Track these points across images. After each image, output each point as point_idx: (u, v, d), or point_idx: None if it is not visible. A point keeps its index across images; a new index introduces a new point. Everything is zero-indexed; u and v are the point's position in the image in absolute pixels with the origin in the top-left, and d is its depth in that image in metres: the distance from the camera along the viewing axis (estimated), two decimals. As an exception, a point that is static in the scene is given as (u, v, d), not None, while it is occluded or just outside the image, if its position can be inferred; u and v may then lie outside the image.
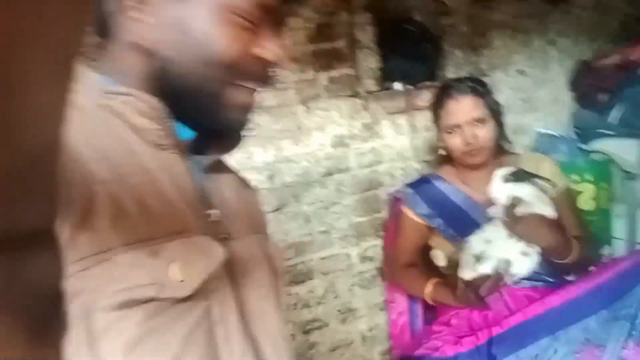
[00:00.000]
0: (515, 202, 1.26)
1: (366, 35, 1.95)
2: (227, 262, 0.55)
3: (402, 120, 2.02)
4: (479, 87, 1.50)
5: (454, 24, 2.09)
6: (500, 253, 1.24)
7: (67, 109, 0.15)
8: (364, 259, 2.00)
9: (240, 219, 0.63)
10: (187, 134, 0.58)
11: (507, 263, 1.24)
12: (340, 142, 1.93)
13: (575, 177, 1.94)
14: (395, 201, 1.76)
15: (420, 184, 1.60)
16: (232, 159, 0.67)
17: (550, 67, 2.28)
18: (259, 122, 1.78)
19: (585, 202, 1.92)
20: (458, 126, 1.44)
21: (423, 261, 1.58)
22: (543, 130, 2.24)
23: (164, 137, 0.54)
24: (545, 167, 1.52)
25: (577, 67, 2.28)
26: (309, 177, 1.89)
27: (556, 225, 1.28)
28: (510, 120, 1.80)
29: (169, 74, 0.53)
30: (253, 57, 0.54)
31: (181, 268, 0.47)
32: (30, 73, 0.13)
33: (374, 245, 2.00)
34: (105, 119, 0.51)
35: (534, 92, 2.27)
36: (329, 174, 1.92)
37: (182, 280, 0.47)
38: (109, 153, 0.48)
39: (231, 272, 0.56)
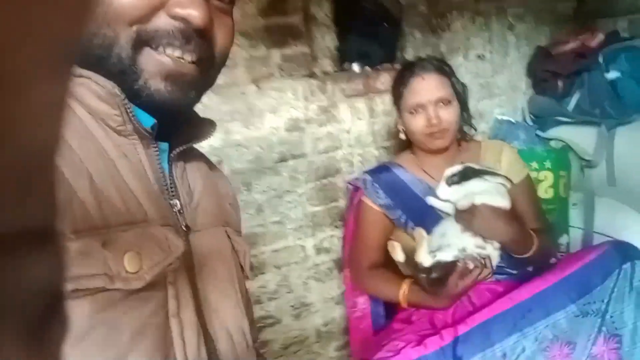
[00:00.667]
0: (461, 202, 1.21)
1: (322, 10, 1.81)
2: (187, 254, 0.54)
3: (360, 103, 1.91)
4: (444, 67, 1.41)
5: (413, 3, 1.98)
6: (456, 246, 1.17)
7: (67, 108, 0.15)
8: (320, 250, 1.88)
9: (207, 210, 0.62)
10: (150, 120, 0.54)
11: (464, 251, 1.17)
12: (295, 126, 1.79)
13: (534, 165, 1.91)
14: (354, 190, 1.64)
15: (379, 172, 1.48)
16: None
17: (509, 53, 2.23)
18: (205, 103, 1.60)
19: (545, 190, 1.89)
20: (422, 106, 1.34)
21: (387, 260, 1.47)
22: (501, 117, 2.20)
23: (123, 122, 0.51)
24: (507, 155, 1.45)
25: (535, 53, 2.25)
26: (261, 164, 1.74)
27: (512, 217, 1.22)
28: (469, 105, 1.73)
29: (91, 44, 0.49)
30: (172, 17, 0.50)
31: (135, 259, 0.46)
32: (31, 72, 0.13)
33: (331, 236, 1.89)
34: None
35: (493, 77, 2.22)
36: (282, 160, 1.78)
37: (135, 272, 0.46)
38: (67, 136, 0.46)
39: (191, 265, 0.55)
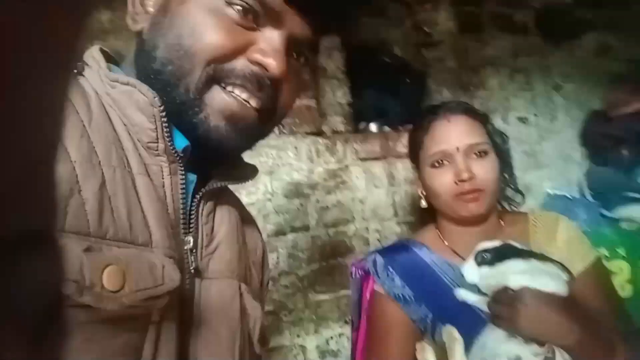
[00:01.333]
0: (495, 290, 0.84)
1: (333, 62, 1.58)
2: (187, 301, 0.51)
3: (377, 168, 1.59)
4: (477, 110, 1.08)
5: (440, 57, 1.73)
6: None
7: (66, 110, 0.17)
8: (325, 354, 1.45)
9: (224, 258, 0.58)
10: (183, 142, 0.53)
11: None
12: (296, 192, 1.47)
13: (603, 252, 1.48)
14: (363, 277, 1.15)
15: (395, 252, 1.08)
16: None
17: (557, 116, 1.90)
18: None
19: (621, 286, 1.44)
20: (448, 155, 0.98)
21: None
22: (553, 192, 1.81)
23: (156, 138, 0.51)
24: (565, 231, 1.04)
25: (588, 117, 1.91)
26: (251, 236, 1.40)
27: (575, 308, 0.80)
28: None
29: (151, 59, 0.52)
30: (251, 61, 0.52)
31: (117, 276, 0.42)
32: (31, 77, 0.14)
33: (340, 335, 1.47)
34: (104, 108, 0.50)
35: (539, 144, 1.87)
36: (279, 233, 1.43)
37: (114, 291, 0.41)
38: (94, 136, 0.47)
39: (187, 315, 0.51)
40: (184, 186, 0.53)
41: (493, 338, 0.79)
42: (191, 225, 0.54)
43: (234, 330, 0.56)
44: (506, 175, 1.07)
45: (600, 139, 1.84)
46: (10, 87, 0.13)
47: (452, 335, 0.80)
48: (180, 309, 0.50)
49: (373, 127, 1.66)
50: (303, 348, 1.44)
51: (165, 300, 0.46)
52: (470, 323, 0.87)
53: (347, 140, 1.57)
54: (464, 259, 1.01)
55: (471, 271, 0.84)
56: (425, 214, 1.14)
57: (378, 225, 1.56)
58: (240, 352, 0.56)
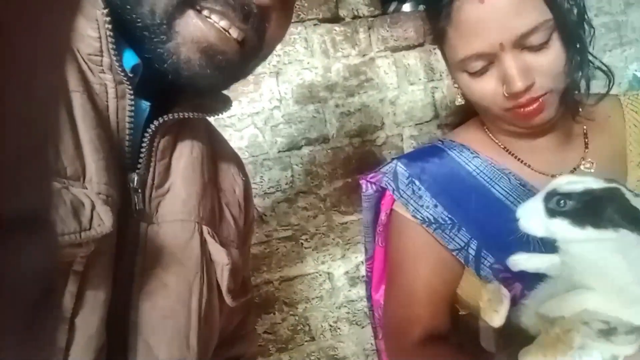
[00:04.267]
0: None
1: None
2: (126, 246, 0.45)
3: (412, 59, 1.28)
4: None
5: None
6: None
7: (61, 95, 0.17)
8: (355, 280, 1.28)
9: (179, 198, 0.51)
10: (132, 59, 0.46)
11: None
12: (310, 96, 1.21)
13: None
14: (380, 195, 0.82)
15: (422, 159, 0.78)
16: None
17: (652, -26, 1.45)
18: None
19: None
20: (488, 56, 0.65)
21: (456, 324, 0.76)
22: (642, 73, 1.43)
23: (100, 50, 0.43)
24: None
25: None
26: (260, 152, 1.18)
27: None
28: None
29: None
30: None
31: None
32: (25, 63, 0.14)
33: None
34: None
35: (625, 14, 1.46)
36: (293, 147, 1.20)
37: None
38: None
39: (126, 263, 0.45)
40: (132, 113, 0.46)
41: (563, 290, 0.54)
42: (140, 161, 0.48)
43: (189, 280, 0.50)
44: (577, 55, 0.71)
45: None
46: (7, 74, 0.13)
47: (498, 293, 0.56)
48: (118, 257, 0.44)
49: (406, 6, 1.32)
50: (330, 275, 1.27)
51: (90, 248, 0.40)
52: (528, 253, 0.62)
53: (372, 25, 1.25)
54: (525, 163, 0.74)
55: (533, 216, 0.55)
56: (464, 112, 0.84)
57: (414, 131, 1.29)
58: (199, 305, 0.50)
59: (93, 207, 0.40)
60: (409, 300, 0.74)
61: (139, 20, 0.44)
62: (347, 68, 1.23)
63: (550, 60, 0.64)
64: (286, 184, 1.21)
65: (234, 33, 0.46)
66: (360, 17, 1.24)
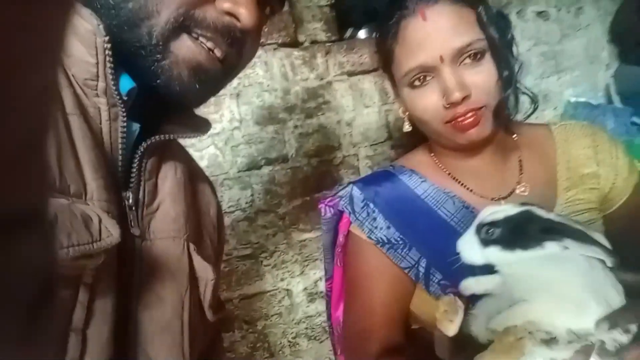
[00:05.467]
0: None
1: (308, -48, 1.27)
2: (125, 261, 0.47)
3: (367, 83, 1.34)
4: None
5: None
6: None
7: (55, 94, 0.18)
8: (313, 296, 1.31)
9: (169, 216, 0.54)
10: (127, 84, 0.49)
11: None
12: (269, 117, 1.24)
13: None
14: (337, 215, 0.86)
15: (376, 182, 0.83)
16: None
17: (583, 9, 1.59)
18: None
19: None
20: (429, 69, 0.71)
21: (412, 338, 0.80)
22: (576, 99, 1.55)
23: (96, 76, 0.45)
24: (604, 147, 0.81)
25: (621, 8, 1.59)
26: (220, 172, 1.20)
27: None
28: (527, 83, 1.07)
29: (123, 4, 0.46)
30: (218, 11, 0.49)
31: None
32: (20, 61, 0.14)
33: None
34: None
35: (561, 44, 1.58)
36: (252, 167, 1.23)
37: None
38: None
39: (126, 277, 0.47)
40: (124, 135, 0.48)
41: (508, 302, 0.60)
42: (131, 180, 0.50)
43: (181, 295, 0.52)
44: (508, 73, 0.78)
45: (633, 32, 1.54)
46: (4, 69, 0.13)
47: (453, 304, 0.61)
48: (119, 271, 0.46)
49: (361, 33, 1.38)
50: (289, 291, 1.29)
51: (100, 260, 0.41)
52: (474, 271, 0.68)
53: (329, 51, 1.30)
54: (466, 187, 0.80)
55: (470, 248, 0.61)
56: (411, 137, 0.90)
57: (369, 151, 1.35)
58: (189, 318, 0.52)
59: (100, 220, 0.42)
60: (366, 316, 0.78)
61: (135, 40, 0.47)
62: (306, 91, 1.28)
63: (483, 76, 0.70)
64: (246, 203, 1.23)
65: (218, 53, 0.50)
66: (318, 43, 1.29)
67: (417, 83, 0.73)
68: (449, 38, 0.69)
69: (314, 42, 1.30)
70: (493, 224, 0.58)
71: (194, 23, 0.48)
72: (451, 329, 0.62)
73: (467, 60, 0.70)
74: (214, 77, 0.52)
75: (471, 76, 0.70)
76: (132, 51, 0.47)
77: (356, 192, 0.81)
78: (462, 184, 0.80)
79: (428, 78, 0.72)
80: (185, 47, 0.48)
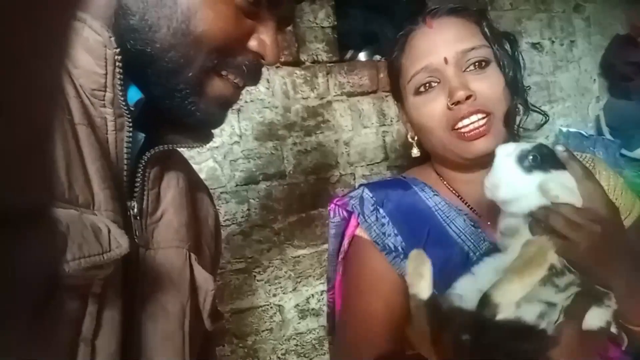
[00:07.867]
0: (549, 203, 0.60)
1: (313, -24, 1.31)
2: (129, 271, 0.47)
3: (366, 104, 1.36)
4: (467, 8, 0.81)
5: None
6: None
7: (61, 92, 0.18)
8: (305, 313, 1.31)
9: (171, 226, 0.54)
10: (135, 95, 0.50)
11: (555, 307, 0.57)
12: (269, 134, 1.26)
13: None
14: (347, 220, 0.85)
15: (390, 187, 0.83)
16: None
17: (576, 42, 1.65)
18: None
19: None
20: (434, 72, 0.73)
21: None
22: (567, 129, 1.60)
23: (104, 86, 0.46)
24: (605, 177, 0.83)
25: (612, 43, 1.65)
26: (217, 185, 1.21)
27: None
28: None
29: (147, 41, 0.47)
30: (246, 49, 0.51)
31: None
32: (26, 58, 0.14)
33: (321, 293, 1.32)
34: None
35: (554, 75, 1.63)
36: (250, 181, 1.24)
37: None
38: None
39: (130, 287, 0.47)
40: (129, 145, 0.49)
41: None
42: (135, 190, 0.50)
43: (183, 304, 0.53)
44: (515, 90, 0.80)
45: (623, 67, 1.60)
46: (5, 68, 0.13)
47: (421, 256, 0.62)
48: (125, 282, 0.46)
49: (361, 55, 1.42)
50: (280, 307, 1.29)
51: (109, 270, 0.42)
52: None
53: (330, 71, 1.33)
54: (468, 205, 0.81)
55: (514, 181, 0.61)
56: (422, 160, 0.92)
57: (366, 171, 1.37)
58: (190, 328, 0.53)
59: (109, 231, 0.42)
60: (365, 323, 0.78)
61: (173, 85, 0.49)
62: (306, 109, 1.30)
63: (488, 83, 0.72)
64: (242, 217, 1.24)
65: (240, 83, 0.53)
66: (319, 63, 1.32)
67: (422, 89, 0.75)
68: (453, 42, 0.73)
69: (315, 62, 1.33)
70: (530, 152, 0.61)
71: (225, 64, 0.50)
72: (424, 286, 0.62)
73: (472, 68, 0.73)
74: (233, 103, 0.55)
75: (476, 82, 0.72)
76: (167, 94, 0.49)
77: (367, 194, 0.81)
78: (467, 205, 0.81)
79: (433, 84, 0.74)
80: (216, 87, 0.51)
